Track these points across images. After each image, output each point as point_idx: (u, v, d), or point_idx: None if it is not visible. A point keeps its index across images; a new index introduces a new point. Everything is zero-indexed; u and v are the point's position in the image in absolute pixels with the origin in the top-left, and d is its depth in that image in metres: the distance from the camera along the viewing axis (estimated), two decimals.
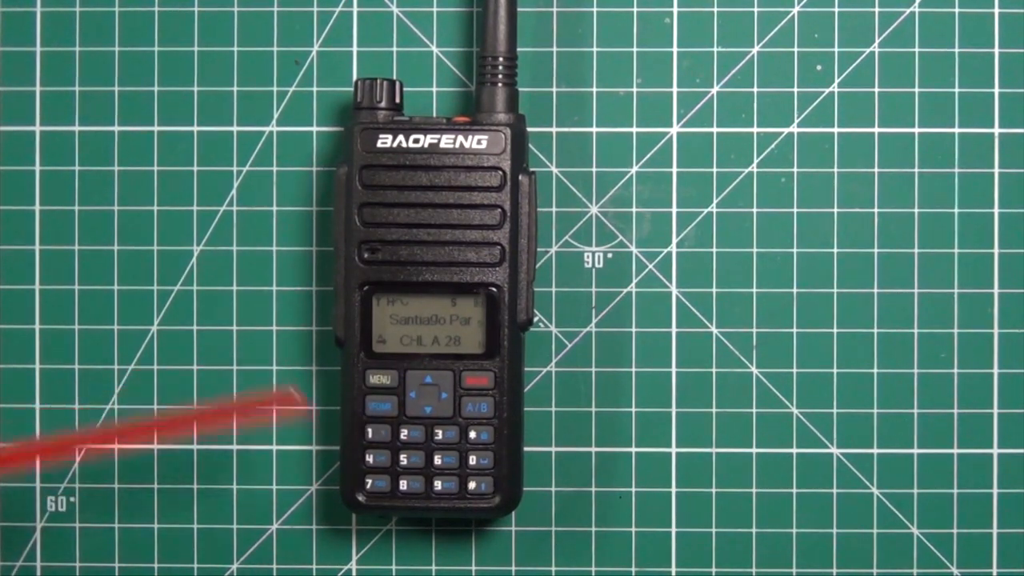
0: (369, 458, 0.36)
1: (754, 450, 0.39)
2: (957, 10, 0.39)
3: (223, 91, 0.40)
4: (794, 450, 0.39)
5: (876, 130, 0.39)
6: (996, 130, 0.39)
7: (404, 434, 0.36)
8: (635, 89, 0.40)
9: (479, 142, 0.36)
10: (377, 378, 0.36)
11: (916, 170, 0.39)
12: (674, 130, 0.40)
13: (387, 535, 0.40)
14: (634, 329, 0.40)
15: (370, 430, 0.36)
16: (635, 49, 0.40)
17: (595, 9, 0.40)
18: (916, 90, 0.39)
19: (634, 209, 0.40)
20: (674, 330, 0.40)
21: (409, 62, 0.40)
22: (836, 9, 0.39)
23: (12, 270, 0.40)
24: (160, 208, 0.40)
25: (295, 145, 0.40)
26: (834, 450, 0.39)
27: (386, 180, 0.36)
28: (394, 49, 0.40)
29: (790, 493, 0.39)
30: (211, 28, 0.40)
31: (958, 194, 0.39)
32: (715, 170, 0.40)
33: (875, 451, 0.39)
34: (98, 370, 0.40)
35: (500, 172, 0.36)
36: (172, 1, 0.40)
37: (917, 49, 0.39)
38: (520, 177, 0.36)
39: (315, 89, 0.40)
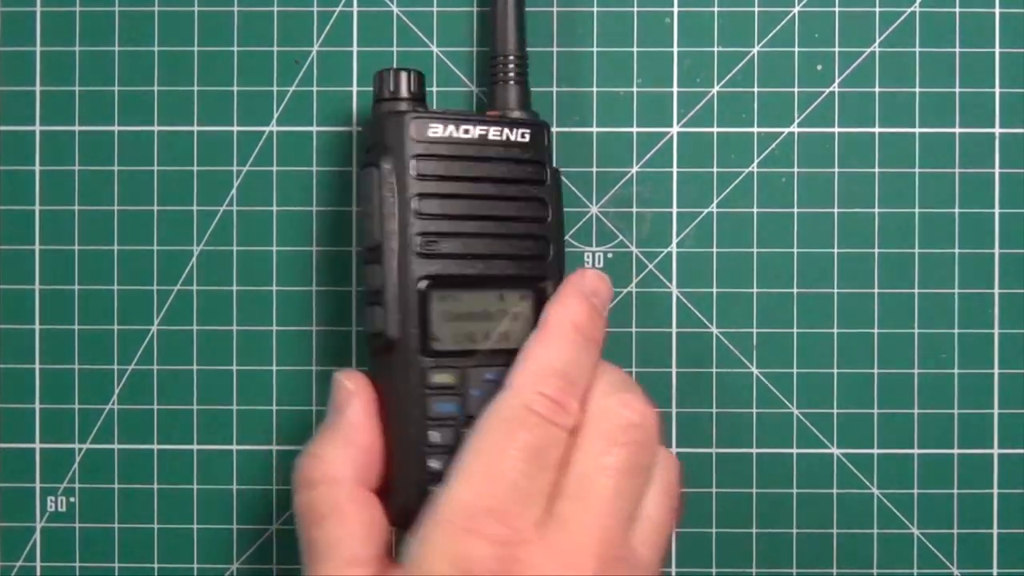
0: (433, 463, 0.33)
1: (754, 450, 0.39)
2: (957, 10, 0.39)
3: (223, 91, 0.40)
4: (794, 450, 0.39)
5: (876, 130, 0.39)
6: (996, 130, 0.39)
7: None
8: (635, 89, 0.40)
9: (523, 135, 0.35)
10: (441, 377, 0.34)
11: (916, 170, 0.39)
12: (674, 130, 0.40)
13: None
14: (634, 329, 0.40)
15: (436, 434, 0.33)
16: (635, 49, 0.40)
17: (595, 9, 0.40)
18: (916, 90, 0.39)
19: (634, 209, 0.40)
20: (674, 330, 0.40)
21: (409, 62, 0.40)
22: (836, 9, 0.39)
23: (12, 270, 0.40)
24: (160, 208, 0.40)
25: (295, 145, 0.40)
26: (834, 450, 0.39)
27: (441, 171, 0.34)
28: (394, 49, 0.40)
29: (790, 493, 0.39)
30: (211, 28, 0.40)
31: (958, 194, 0.39)
32: (715, 170, 0.39)
33: (875, 451, 0.39)
34: (98, 370, 0.40)
35: (543, 167, 0.36)
36: (172, 1, 0.40)
37: (917, 49, 0.39)
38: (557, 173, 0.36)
39: (315, 89, 0.40)
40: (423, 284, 0.34)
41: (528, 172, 0.35)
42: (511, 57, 0.37)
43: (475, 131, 0.35)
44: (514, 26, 0.37)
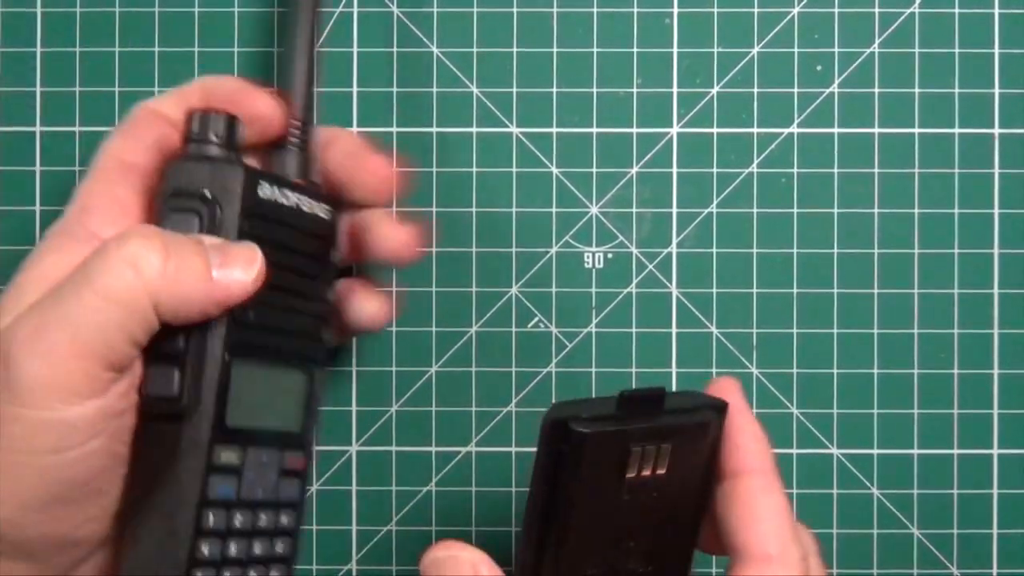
0: (204, 548, 0.30)
1: None
2: (957, 10, 0.39)
3: None
4: (794, 450, 0.39)
5: (876, 130, 0.39)
6: (996, 130, 0.39)
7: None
8: (635, 89, 0.40)
9: (327, 213, 0.33)
10: (227, 456, 0.30)
11: (916, 170, 0.39)
12: (674, 130, 0.40)
13: (387, 535, 0.40)
14: (634, 329, 0.40)
15: (211, 516, 0.30)
16: (635, 49, 0.40)
17: (595, 9, 0.40)
18: (916, 90, 0.39)
19: (634, 209, 0.40)
20: (674, 330, 0.40)
21: (409, 62, 0.40)
22: (836, 9, 0.39)
23: (12, 270, 0.40)
24: None
25: None
26: (834, 450, 0.39)
27: (263, 233, 0.31)
28: (394, 49, 0.40)
29: (790, 493, 0.39)
30: (211, 28, 0.40)
31: (958, 194, 0.39)
32: (715, 170, 0.40)
33: (875, 451, 0.39)
34: None
35: (334, 248, 0.34)
36: (172, 1, 0.40)
37: (917, 49, 0.39)
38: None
39: (315, 89, 0.40)
40: (228, 354, 0.30)
41: (324, 250, 0.33)
42: (295, 122, 0.34)
43: (292, 199, 0.32)
44: (303, 87, 0.34)
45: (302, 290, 0.33)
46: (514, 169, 0.39)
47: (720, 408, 0.30)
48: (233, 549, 0.31)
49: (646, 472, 0.29)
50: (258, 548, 0.31)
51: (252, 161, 0.33)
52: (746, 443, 0.30)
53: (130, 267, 0.27)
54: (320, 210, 0.33)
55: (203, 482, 0.29)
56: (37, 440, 0.26)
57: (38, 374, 0.26)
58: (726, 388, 0.31)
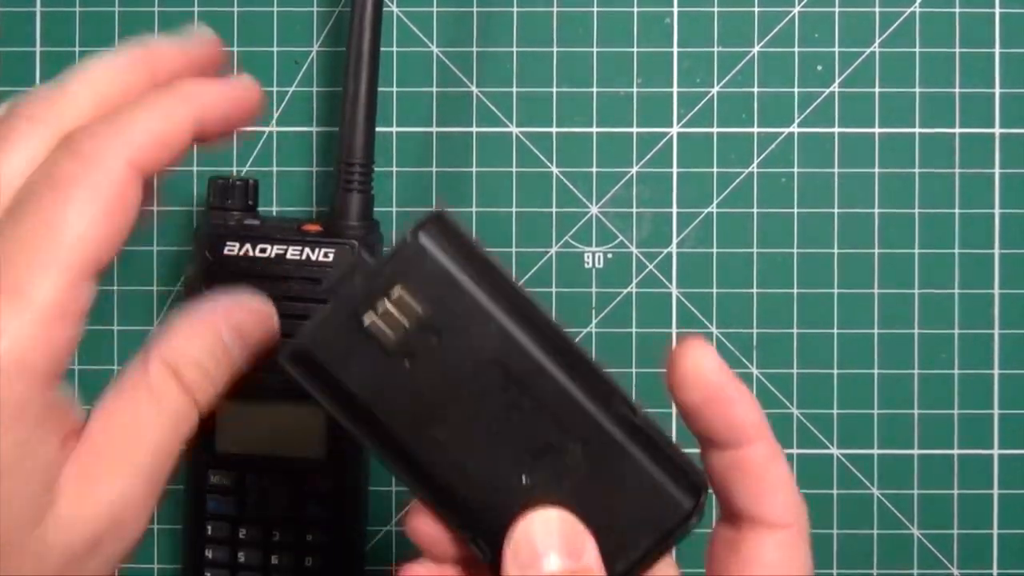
0: (208, 553, 0.36)
1: None
2: (957, 10, 0.39)
3: None
4: (794, 450, 0.39)
5: (876, 130, 0.39)
6: (996, 130, 0.39)
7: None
8: (635, 89, 0.40)
9: (326, 255, 0.35)
10: (218, 479, 0.36)
11: (916, 170, 0.39)
12: (674, 130, 0.40)
13: (387, 535, 0.40)
14: (634, 329, 0.40)
15: (209, 527, 0.36)
16: (635, 49, 0.40)
17: (595, 9, 0.40)
18: (916, 90, 0.39)
19: (634, 209, 0.40)
20: (674, 330, 0.40)
21: (408, 62, 0.40)
22: (836, 9, 0.39)
23: None
24: (160, 208, 0.40)
25: (295, 145, 0.40)
26: (834, 450, 0.39)
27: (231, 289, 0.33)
28: (394, 49, 0.40)
29: None
30: (211, 28, 0.40)
31: (958, 194, 0.39)
32: (715, 170, 0.40)
33: (875, 451, 0.39)
34: (98, 370, 0.40)
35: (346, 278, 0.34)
36: (172, 1, 0.40)
37: (917, 49, 0.39)
38: None
39: (315, 89, 0.40)
40: None
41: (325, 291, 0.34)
42: (349, 165, 0.36)
43: (272, 250, 0.34)
44: (358, 134, 0.36)
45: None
46: (514, 169, 0.39)
47: None
48: (243, 557, 0.36)
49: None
50: (278, 559, 0.36)
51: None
52: (744, 414, 0.27)
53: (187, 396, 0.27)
54: (318, 254, 0.35)
55: (201, 499, 0.36)
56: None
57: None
58: (690, 350, 0.27)
